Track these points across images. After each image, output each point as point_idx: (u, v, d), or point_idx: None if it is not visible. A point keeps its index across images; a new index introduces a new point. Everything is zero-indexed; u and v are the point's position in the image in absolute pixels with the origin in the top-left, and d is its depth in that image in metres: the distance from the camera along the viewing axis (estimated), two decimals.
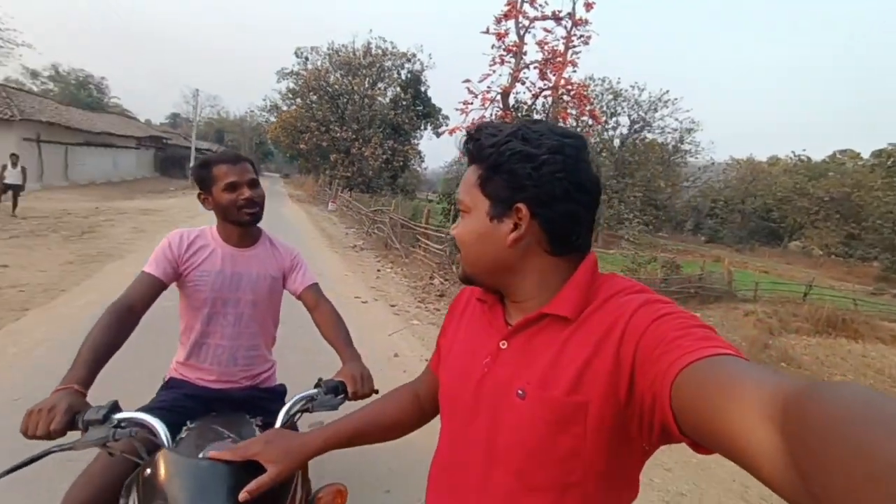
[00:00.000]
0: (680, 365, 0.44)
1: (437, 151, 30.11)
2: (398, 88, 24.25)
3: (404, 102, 23.70)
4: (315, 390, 1.01)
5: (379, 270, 8.05)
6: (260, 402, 1.33)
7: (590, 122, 17.38)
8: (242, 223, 1.29)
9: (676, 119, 28.69)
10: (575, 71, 10.91)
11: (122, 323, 1.08)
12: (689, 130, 28.96)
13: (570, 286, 0.60)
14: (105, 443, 0.80)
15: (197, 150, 27.55)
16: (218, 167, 1.25)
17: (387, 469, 2.17)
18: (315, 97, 23.30)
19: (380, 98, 23.74)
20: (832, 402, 0.30)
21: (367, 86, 22.85)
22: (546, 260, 0.62)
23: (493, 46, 10.93)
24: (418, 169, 30.02)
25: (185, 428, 1.09)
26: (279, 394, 1.43)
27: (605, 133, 28.57)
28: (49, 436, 0.80)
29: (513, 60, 10.84)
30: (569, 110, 11.44)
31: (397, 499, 2.05)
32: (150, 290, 1.20)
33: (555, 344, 0.58)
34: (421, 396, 0.85)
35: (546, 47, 10.56)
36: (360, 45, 23.38)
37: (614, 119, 29.13)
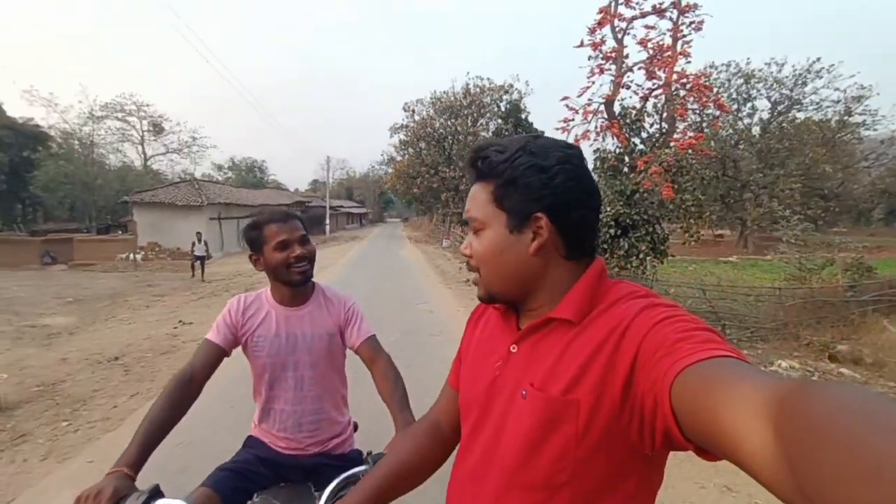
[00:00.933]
0: (680, 367, 0.44)
1: None
2: (499, 121, 24.79)
3: (506, 132, 24.06)
4: (363, 467, 0.96)
5: None
6: (330, 470, 1.25)
7: (716, 112, 15.33)
8: (293, 283, 1.25)
9: (837, 89, 23.37)
10: (689, 62, 9.82)
11: (181, 395, 1.09)
12: (858, 99, 23.20)
13: (575, 291, 0.62)
14: None
15: (331, 207, 31.79)
16: (269, 227, 1.23)
17: None
18: (423, 144, 25.12)
19: (482, 133, 24.54)
20: (825, 400, 0.30)
21: (469, 124, 23.87)
22: (562, 265, 0.64)
23: (589, 58, 10.52)
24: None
25: (249, 502, 1.14)
26: (352, 461, 1.34)
27: (740, 122, 24.74)
28: None
29: (613, 67, 10.26)
30: (687, 105, 10.27)
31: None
32: (210, 358, 1.19)
33: (559, 346, 0.60)
34: (442, 423, 0.84)
35: (650, 45, 9.76)
36: (459, 88, 24.77)
37: (749, 105, 25.14)
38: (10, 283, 10.56)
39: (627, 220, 8.14)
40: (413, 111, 25.47)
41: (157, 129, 31.77)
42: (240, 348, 1.29)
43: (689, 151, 8.65)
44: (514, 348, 0.65)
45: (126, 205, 18.15)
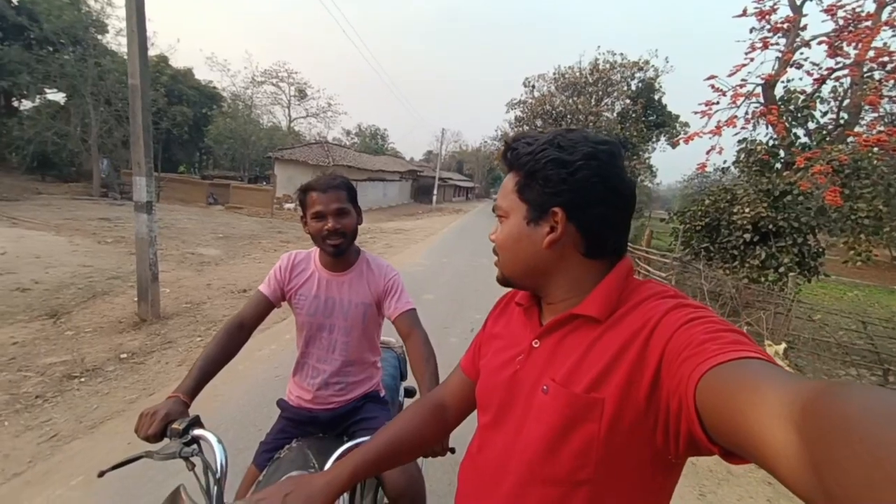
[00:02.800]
0: (705, 367, 0.44)
1: (674, 164, 26.33)
2: (627, 101, 22.61)
3: (633, 114, 21.89)
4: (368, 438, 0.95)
5: None
6: (352, 416, 1.35)
7: None
8: (327, 252, 1.26)
9: None
10: (895, 35, 7.71)
11: (231, 338, 1.18)
12: None
13: (600, 288, 0.62)
14: (174, 457, 0.85)
15: (440, 179, 32.73)
16: (311, 194, 1.23)
17: None
18: (539, 122, 24.14)
19: (606, 113, 22.65)
20: (850, 402, 0.30)
21: (592, 103, 22.21)
22: (581, 262, 0.63)
23: (752, 30, 8.88)
24: (650, 185, 27.03)
25: (287, 446, 1.21)
26: (371, 406, 1.40)
27: None
28: (147, 439, 0.90)
29: (783, 41, 8.52)
30: (882, 92, 8.13)
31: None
32: (259, 307, 1.26)
33: (584, 343, 0.59)
34: (447, 405, 0.85)
35: (840, 13, 7.86)
36: (586, 63, 23.05)
37: None
38: (182, 216, 13.03)
39: (770, 226, 6.88)
40: (533, 87, 24.49)
41: (302, 94, 35.54)
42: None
43: (874, 150, 6.87)
44: (536, 343, 0.66)
45: (270, 159, 20.93)
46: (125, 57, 4.17)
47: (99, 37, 17.27)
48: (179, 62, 26.90)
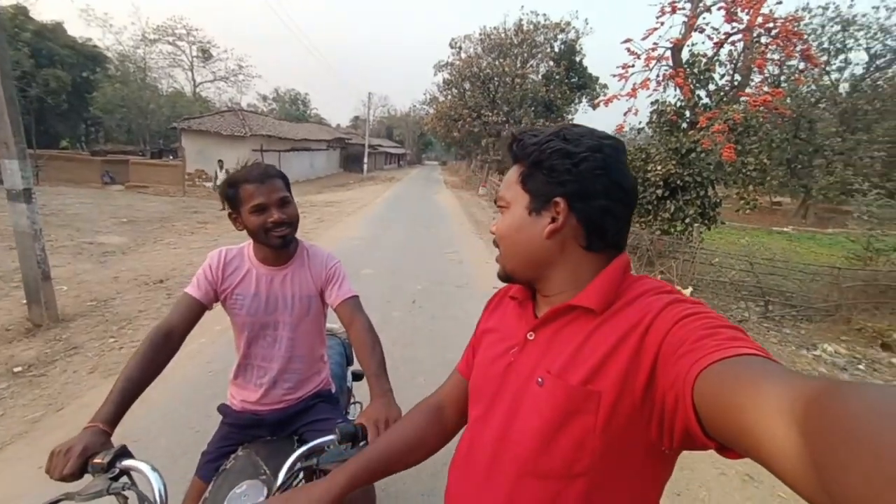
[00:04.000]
0: (703, 364, 0.44)
1: (594, 124, 27.50)
2: (551, 63, 23.03)
3: (557, 76, 22.42)
4: (330, 437, 0.91)
5: None
6: (303, 418, 1.30)
7: (800, 66, 13.51)
8: (272, 246, 1.19)
9: None
10: (779, 2, 8.52)
11: (157, 350, 1.06)
12: None
13: (598, 280, 0.62)
14: (102, 495, 0.76)
15: (370, 146, 31.56)
16: (244, 187, 1.14)
17: None
18: (468, 85, 23.89)
19: (531, 76, 22.96)
20: (853, 401, 0.30)
21: (518, 65, 22.33)
22: (580, 255, 0.64)
23: None
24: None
25: (232, 455, 1.14)
26: (324, 399, 1.37)
27: (826, 77, 21.76)
28: (64, 479, 0.79)
29: (688, 6, 9.07)
30: (768, 55, 9.04)
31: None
32: (189, 312, 1.16)
33: (580, 336, 0.60)
34: (446, 407, 0.84)
35: None
36: (511, 23, 22.94)
37: (841, 57, 21.92)
38: (73, 199, 11.36)
39: (678, 181, 7.56)
40: (460, 48, 24.03)
41: (206, 55, 31.74)
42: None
43: (762, 109, 7.71)
44: (531, 335, 0.66)
45: (175, 130, 18.72)
46: None
47: None
48: (45, 15, 22.59)
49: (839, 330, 5.29)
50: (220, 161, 12.11)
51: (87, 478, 0.81)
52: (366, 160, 31.04)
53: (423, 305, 4.70)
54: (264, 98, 50.20)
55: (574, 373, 0.57)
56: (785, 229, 17.20)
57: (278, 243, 1.18)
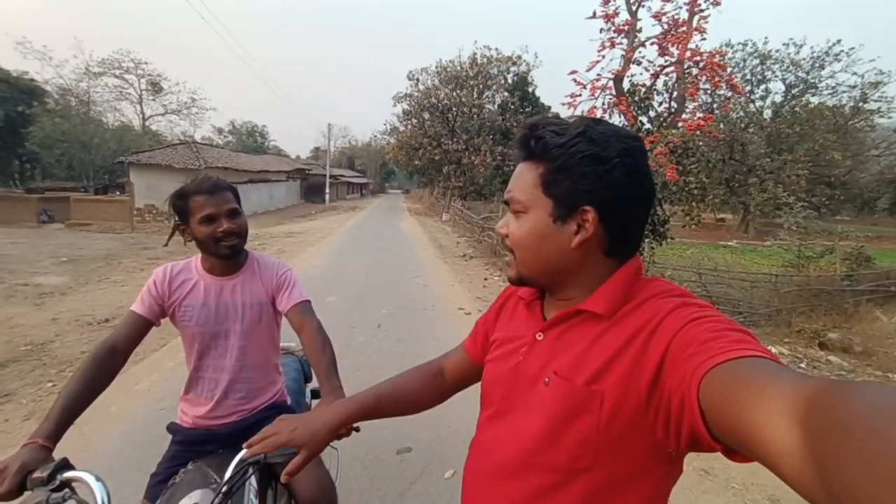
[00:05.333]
0: (709, 365, 0.44)
1: None
2: (505, 93, 24.14)
3: (512, 106, 23.48)
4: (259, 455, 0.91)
5: (486, 279, 7.95)
6: (256, 430, 1.28)
7: (728, 94, 14.88)
8: (222, 255, 1.20)
9: (855, 73, 22.60)
10: (704, 39, 9.44)
11: (100, 366, 1.04)
12: (875, 84, 22.52)
13: (608, 285, 0.61)
14: None
15: (331, 176, 31.43)
16: (195, 199, 1.16)
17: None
18: (427, 115, 24.54)
19: (487, 106, 23.92)
20: (854, 400, 0.30)
21: (474, 96, 23.24)
22: (599, 261, 0.62)
23: (601, 30, 10.12)
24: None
25: (182, 470, 1.11)
26: (279, 409, 1.34)
27: (752, 104, 24.07)
28: (2, 498, 0.77)
29: (625, 41, 9.88)
30: (699, 85, 9.94)
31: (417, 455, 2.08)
32: (134, 329, 1.15)
33: (587, 338, 0.60)
34: (446, 373, 0.89)
35: (665, 18, 9.38)
36: (466, 57, 23.98)
37: (762, 87, 24.39)
38: (5, 240, 10.51)
39: None
40: (417, 80, 24.76)
41: (156, 88, 30.99)
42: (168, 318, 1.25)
43: (697, 133, 8.43)
44: (539, 336, 0.66)
45: (123, 165, 17.90)
46: None
47: None
48: None
49: (782, 333, 5.67)
50: (183, 186, 11.62)
51: (27, 494, 0.77)
52: (327, 190, 30.82)
53: (388, 329, 4.64)
54: (220, 131, 49.33)
55: (579, 374, 0.58)
56: (730, 243, 18.43)
57: (227, 253, 1.19)
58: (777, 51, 23.32)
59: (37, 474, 0.77)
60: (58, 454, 0.87)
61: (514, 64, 24.03)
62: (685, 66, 9.53)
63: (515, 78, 24.37)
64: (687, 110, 10.94)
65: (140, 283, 6.75)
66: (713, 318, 0.51)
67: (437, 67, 24.28)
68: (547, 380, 0.61)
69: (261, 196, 23.38)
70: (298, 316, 1.24)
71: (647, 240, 7.49)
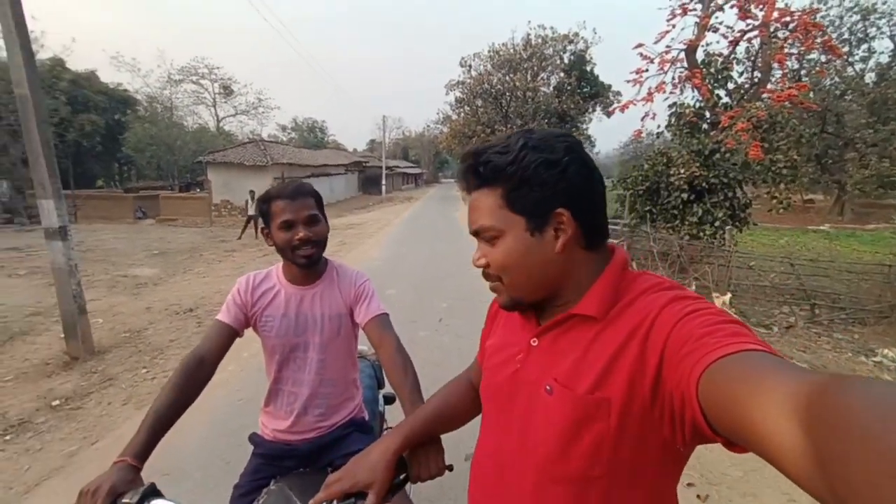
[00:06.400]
0: (707, 361, 0.44)
1: (610, 133, 27.30)
2: (562, 74, 23.11)
3: (568, 87, 22.45)
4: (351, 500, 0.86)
5: None
6: (336, 449, 1.25)
7: (822, 58, 13.12)
8: (298, 264, 1.17)
9: None
10: None
11: (190, 379, 1.04)
12: None
13: (598, 286, 0.61)
14: None
15: (387, 168, 32.12)
16: (276, 203, 1.13)
17: None
18: (480, 101, 24.17)
19: (542, 88, 23.06)
20: (855, 396, 0.30)
21: (528, 79, 22.48)
22: (582, 256, 0.63)
23: None
24: (589, 154, 28.08)
25: (265, 490, 1.09)
26: (359, 427, 1.32)
27: (850, 68, 21.03)
28: None
29: (699, 6, 8.96)
30: (786, 49, 8.80)
31: None
32: (221, 339, 1.14)
33: (582, 342, 0.60)
34: (474, 383, 0.89)
35: None
36: (519, 39, 23.20)
37: (864, 46, 21.20)
38: (108, 235, 11.87)
39: (703, 184, 7.32)
40: (470, 66, 24.39)
41: (227, 91, 33.19)
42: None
43: (787, 104, 7.45)
44: (534, 342, 0.66)
45: (201, 164, 19.46)
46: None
47: None
48: (79, 65, 24.13)
49: None
50: (251, 191, 12.38)
51: None
52: (383, 181, 31.52)
53: (449, 323, 4.62)
54: (283, 128, 51.98)
55: (580, 381, 0.57)
56: (822, 227, 16.45)
57: (303, 262, 1.16)
58: (884, 2, 20.08)
59: (126, 500, 0.77)
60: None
61: (571, 42, 22.89)
62: (771, 30, 8.47)
63: (572, 57, 23.23)
64: (773, 79, 9.78)
65: (219, 274, 7.31)
66: (706, 311, 0.51)
67: (489, 52, 23.75)
68: (548, 387, 0.61)
69: (322, 189, 24.09)
70: (377, 330, 1.19)
71: (727, 227, 6.80)
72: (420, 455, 0.83)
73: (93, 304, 4.71)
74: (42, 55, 18.55)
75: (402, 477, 0.81)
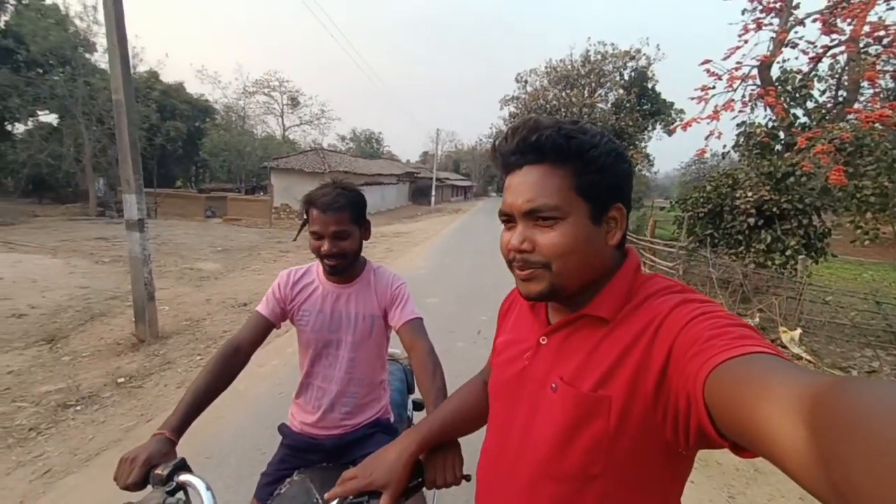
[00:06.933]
0: (714, 363, 0.44)
1: (670, 152, 26.18)
2: (621, 90, 22.48)
3: (627, 104, 21.75)
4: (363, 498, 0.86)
5: None
6: (360, 448, 1.27)
7: None
8: (325, 269, 1.21)
9: None
10: (892, 7, 7.61)
11: (226, 364, 1.09)
12: None
13: (610, 287, 0.61)
14: None
15: (437, 179, 32.66)
16: (311, 209, 1.16)
17: None
18: (534, 117, 24.00)
19: (600, 105, 22.53)
20: (860, 398, 0.30)
21: (585, 95, 22.07)
22: (614, 255, 0.63)
23: (744, 11, 8.79)
24: (647, 174, 26.89)
25: (288, 480, 1.12)
26: (383, 428, 1.33)
27: None
28: (128, 488, 0.81)
29: (776, 21, 8.41)
30: (879, 66, 8.00)
31: None
32: (257, 329, 1.19)
33: (591, 341, 0.59)
34: (487, 384, 0.88)
35: None
36: (578, 55, 22.92)
37: None
38: (180, 231, 12.94)
39: (774, 209, 6.76)
40: (525, 82, 24.39)
41: (294, 102, 35.48)
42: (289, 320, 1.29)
43: (877, 126, 6.75)
44: (543, 340, 0.66)
45: (266, 169, 20.84)
46: None
47: (87, 56, 17.18)
48: (170, 77, 26.97)
49: None
50: (313, 191, 13.05)
51: (148, 489, 0.83)
52: (433, 192, 32.04)
53: (487, 336, 4.56)
54: (343, 138, 54.51)
55: (585, 379, 0.57)
56: None
57: (328, 270, 1.20)
58: None
59: (158, 471, 0.82)
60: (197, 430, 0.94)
61: (632, 59, 22.23)
62: (861, 45, 7.76)
63: (633, 74, 22.53)
64: (861, 99, 8.91)
65: (273, 272, 7.73)
66: (715, 314, 0.51)
67: (546, 68, 23.62)
68: (554, 385, 0.61)
69: (373, 198, 25.21)
70: (410, 334, 1.19)
71: (800, 256, 6.23)
72: (438, 460, 0.82)
73: (161, 293, 5.14)
74: (140, 68, 20.86)
75: (418, 481, 0.81)
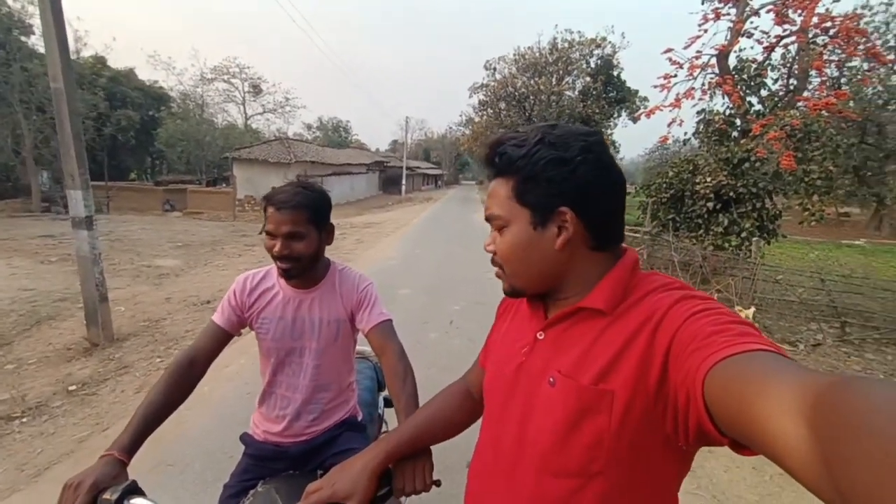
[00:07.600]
0: (713, 360, 0.44)
1: (635, 138, 26.85)
2: (587, 78, 22.78)
3: (594, 91, 22.10)
4: None
5: None
6: (327, 449, 1.23)
7: (864, 66, 12.55)
8: (279, 274, 1.15)
9: None
10: (836, 0, 7.98)
11: (180, 379, 1.03)
12: None
13: (606, 281, 0.61)
14: None
15: (408, 168, 32.32)
16: (269, 207, 1.09)
17: None
18: (503, 104, 24.05)
19: (567, 92, 22.80)
20: (861, 397, 0.30)
21: (553, 83, 22.24)
22: (588, 256, 0.63)
23: (703, 1, 9.04)
24: (611, 156, 27.57)
25: (252, 491, 1.07)
26: (351, 427, 1.29)
27: (894, 76, 20.01)
28: None
29: (733, 11, 8.68)
30: (826, 56, 8.43)
31: None
32: (213, 340, 1.13)
33: (589, 335, 0.60)
34: (473, 389, 0.89)
35: None
36: (545, 43, 23.04)
37: None
38: (136, 226, 12.28)
39: (731, 193, 7.07)
40: (494, 69, 24.30)
41: (256, 90, 34.01)
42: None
43: (824, 113, 7.13)
44: (540, 335, 0.66)
45: (227, 160, 19.97)
46: None
47: (24, 38, 15.80)
48: (119, 62, 25.15)
49: None
50: (273, 188, 12.71)
51: None
52: (404, 182, 31.70)
53: (460, 326, 4.57)
54: (309, 127, 52.93)
55: (585, 372, 0.57)
56: (857, 242, 15.70)
57: (281, 273, 1.14)
58: None
59: (106, 496, 0.77)
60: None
61: (598, 47, 22.54)
62: (810, 35, 8.13)
63: (599, 61, 22.87)
64: (810, 87, 9.37)
65: (238, 267, 7.45)
66: (715, 311, 0.51)
67: (514, 55, 23.60)
68: (551, 379, 0.60)
69: (343, 188, 24.72)
70: (380, 338, 1.15)
71: (754, 238, 6.54)
72: (407, 468, 0.80)
73: (116, 293, 4.86)
74: (84, 53, 19.41)
75: (385, 490, 0.78)
